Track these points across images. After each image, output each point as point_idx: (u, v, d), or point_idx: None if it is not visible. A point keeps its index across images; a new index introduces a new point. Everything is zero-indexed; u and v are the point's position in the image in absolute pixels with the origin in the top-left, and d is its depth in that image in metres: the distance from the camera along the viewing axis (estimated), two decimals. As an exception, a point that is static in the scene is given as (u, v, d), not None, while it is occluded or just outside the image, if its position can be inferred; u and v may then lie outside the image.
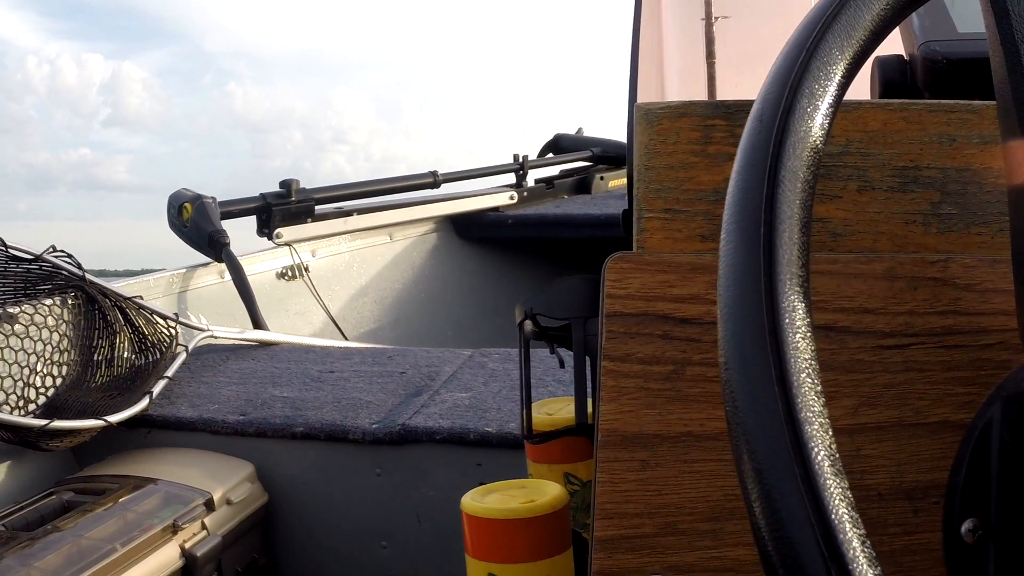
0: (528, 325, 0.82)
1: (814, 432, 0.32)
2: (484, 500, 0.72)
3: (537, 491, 0.73)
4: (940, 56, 0.67)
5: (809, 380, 0.33)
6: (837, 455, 0.32)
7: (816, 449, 0.31)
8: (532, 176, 3.32)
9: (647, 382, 0.47)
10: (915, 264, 0.49)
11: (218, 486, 1.39)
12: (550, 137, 3.68)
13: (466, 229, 3.12)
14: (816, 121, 0.36)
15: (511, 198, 3.18)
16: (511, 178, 3.26)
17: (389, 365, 1.78)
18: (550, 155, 3.57)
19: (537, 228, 3.04)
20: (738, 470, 0.32)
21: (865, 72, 0.71)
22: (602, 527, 0.46)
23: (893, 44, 0.71)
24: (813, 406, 0.32)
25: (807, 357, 0.33)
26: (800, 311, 0.33)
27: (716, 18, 1.05)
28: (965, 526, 0.44)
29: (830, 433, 0.32)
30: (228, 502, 1.39)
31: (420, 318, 2.90)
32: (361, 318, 2.74)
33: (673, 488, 0.48)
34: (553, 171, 3.47)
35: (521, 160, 3.27)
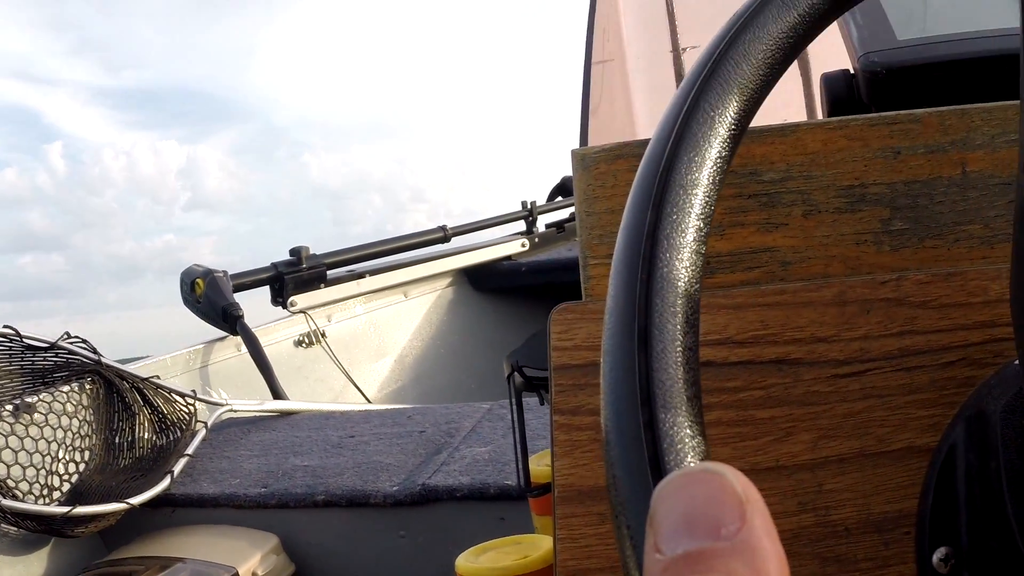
0: (517, 377, 0.83)
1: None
2: (478, 560, 0.71)
3: (531, 546, 0.72)
4: (879, 67, 0.63)
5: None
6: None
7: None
8: (542, 221, 3.34)
9: (599, 433, 0.46)
10: (866, 286, 0.46)
11: (244, 560, 1.39)
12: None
13: (480, 280, 3.12)
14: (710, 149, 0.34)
15: (523, 245, 3.18)
16: (521, 225, 3.26)
17: (409, 425, 1.78)
18: (559, 199, 3.57)
19: (551, 273, 3.04)
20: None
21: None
22: None
23: (840, 58, 0.69)
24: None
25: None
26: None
27: (684, 49, 1.03)
28: (937, 555, 0.42)
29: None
30: (254, 576, 1.39)
31: (442, 373, 2.90)
32: (383, 379, 2.74)
33: None
34: (563, 214, 3.48)
35: (530, 206, 3.28)
